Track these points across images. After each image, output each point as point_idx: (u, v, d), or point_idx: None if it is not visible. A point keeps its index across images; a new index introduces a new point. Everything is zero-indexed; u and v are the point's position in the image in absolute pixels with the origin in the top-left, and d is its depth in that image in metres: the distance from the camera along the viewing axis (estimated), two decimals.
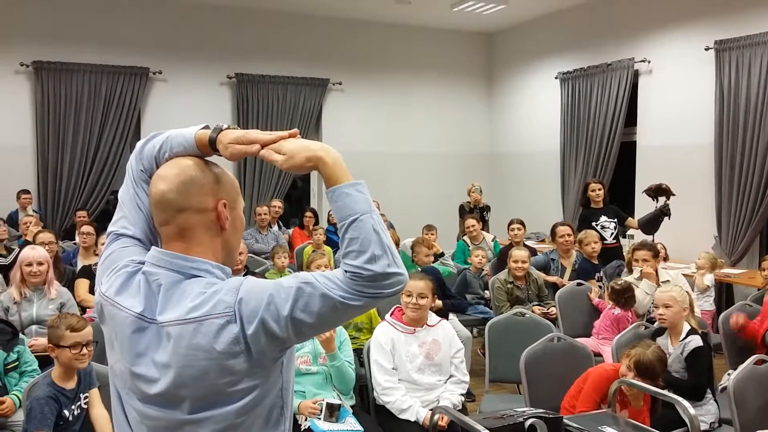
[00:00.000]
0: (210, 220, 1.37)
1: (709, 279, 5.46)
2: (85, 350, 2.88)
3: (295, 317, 1.23)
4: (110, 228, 1.47)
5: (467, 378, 3.54)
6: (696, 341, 3.50)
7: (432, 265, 5.65)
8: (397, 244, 6.15)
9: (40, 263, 4.12)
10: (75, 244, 5.83)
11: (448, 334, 3.54)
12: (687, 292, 3.92)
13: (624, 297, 4.47)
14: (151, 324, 1.30)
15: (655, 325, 3.98)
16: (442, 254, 6.30)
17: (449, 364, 3.48)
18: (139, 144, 1.47)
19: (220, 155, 1.37)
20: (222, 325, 1.25)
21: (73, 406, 2.88)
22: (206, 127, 1.40)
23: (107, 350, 1.41)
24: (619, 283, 4.57)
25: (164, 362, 1.28)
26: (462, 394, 3.45)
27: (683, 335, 3.57)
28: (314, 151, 1.30)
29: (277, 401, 1.35)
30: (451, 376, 3.48)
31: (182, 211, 1.34)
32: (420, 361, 3.41)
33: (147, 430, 1.33)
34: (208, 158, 1.42)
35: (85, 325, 2.92)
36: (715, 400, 3.46)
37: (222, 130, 1.36)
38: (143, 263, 1.37)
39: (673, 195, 6.16)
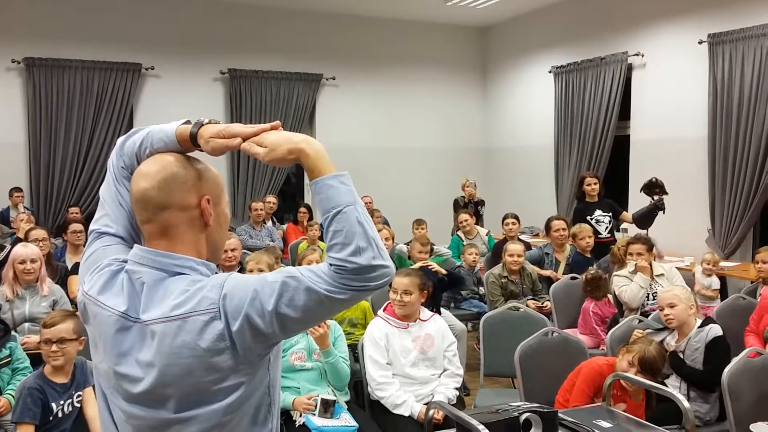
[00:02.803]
0: (193, 217, 1.35)
1: (715, 282, 5.29)
2: (54, 347, 2.87)
3: (280, 312, 1.22)
4: (92, 226, 1.45)
5: (461, 371, 3.56)
6: (716, 329, 3.45)
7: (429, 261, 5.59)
8: (392, 240, 6.13)
9: (33, 260, 4.11)
10: (65, 240, 5.79)
11: (440, 328, 3.56)
12: (686, 288, 3.90)
13: (590, 286, 4.63)
14: (135, 323, 1.28)
15: (650, 318, 3.99)
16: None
17: (443, 358, 3.50)
18: (119, 140, 1.45)
19: (202, 150, 1.35)
20: (206, 322, 1.23)
21: (62, 401, 2.87)
22: (188, 122, 1.37)
23: (91, 350, 1.39)
24: (591, 273, 4.70)
25: (148, 361, 1.26)
26: (456, 388, 3.46)
27: (698, 325, 3.50)
28: (296, 143, 1.28)
29: (264, 398, 1.34)
30: (445, 370, 3.49)
31: (165, 209, 1.32)
32: (414, 355, 3.42)
33: (133, 429, 1.32)
34: (190, 154, 1.40)
35: (57, 322, 2.91)
36: (719, 397, 3.39)
37: (203, 124, 1.34)
38: (126, 261, 1.34)
39: (666, 194, 6.14)
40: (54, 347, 2.86)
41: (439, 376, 3.48)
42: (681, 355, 3.48)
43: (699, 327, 3.50)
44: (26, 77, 7.95)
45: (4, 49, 7.85)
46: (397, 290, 3.46)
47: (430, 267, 4.88)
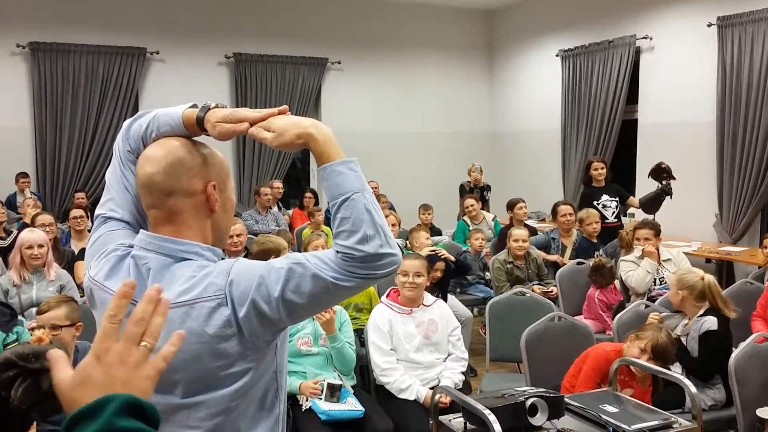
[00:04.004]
0: (199, 202, 1.33)
1: None
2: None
3: (286, 298, 1.21)
4: (98, 210, 1.44)
5: (466, 355, 3.58)
6: (710, 323, 3.41)
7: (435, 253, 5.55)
8: (398, 225, 6.12)
9: (40, 246, 4.12)
10: (69, 227, 5.80)
11: (444, 313, 3.58)
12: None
13: (596, 274, 4.59)
14: None
15: (656, 303, 3.98)
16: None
17: (447, 343, 3.51)
18: (125, 123, 1.43)
19: (209, 135, 1.34)
20: (213, 308, 1.23)
21: None
22: (194, 106, 1.36)
23: None
24: (596, 260, 4.70)
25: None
26: (462, 372, 3.46)
27: (700, 314, 3.50)
28: (304, 127, 1.26)
29: (271, 384, 1.34)
30: (449, 354, 3.50)
31: (170, 195, 1.31)
32: (418, 340, 3.43)
33: None
34: (197, 138, 1.38)
35: (49, 308, 2.92)
36: (725, 386, 3.36)
37: (210, 108, 1.33)
38: (132, 247, 1.34)
39: (673, 178, 6.10)
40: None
41: (444, 361, 3.49)
42: (684, 339, 3.47)
43: (699, 316, 3.48)
44: (31, 62, 7.94)
45: (8, 33, 7.83)
46: (408, 273, 3.45)
47: (438, 253, 4.87)
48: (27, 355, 1.18)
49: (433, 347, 3.46)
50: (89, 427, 0.79)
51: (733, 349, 3.78)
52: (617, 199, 6.31)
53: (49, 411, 1.13)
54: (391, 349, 3.39)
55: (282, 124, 1.27)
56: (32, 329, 3.66)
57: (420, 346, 3.43)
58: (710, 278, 3.54)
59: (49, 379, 1.40)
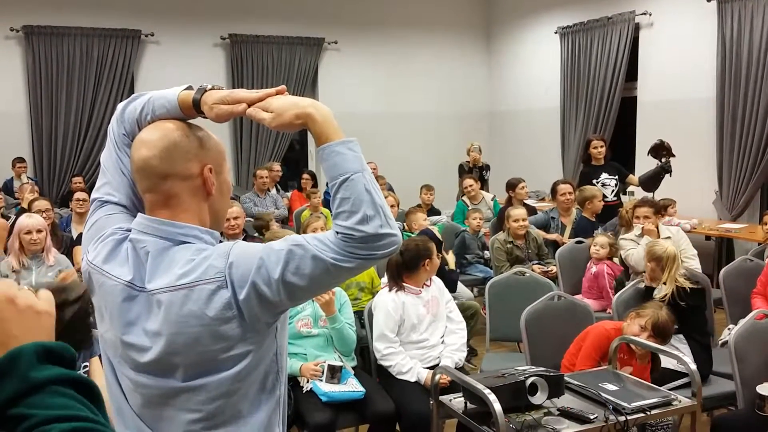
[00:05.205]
0: (196, 186, 1.32)
1: None
2: None
3: (286, 280, 1.21)
4: (94, 194, 1.43)
5: (463, 324, 3.61)
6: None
7: (428, 227, 5.58)
8: (397, 206, 6.11)
9: (38, 231, 4.11)
10: (71, 210, 5.80)
11: (440, 288, 3.63)
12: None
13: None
14: (141, 292, 1.28)
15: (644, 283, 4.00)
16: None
17: (445, 317, 3.55)
18: (120, 106, 1.42)
19: (205, 117, 1.32)
20: (213, 291, 1.23)
21: None
22: (189, 88, 1.34)
23: (97, 319, 1.39)
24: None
25: (155, 330, 1.26)
26: (463, 343, 3.49)
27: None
28: (303, 108, 1.25)
29: (272, 367, 1.34)
30: (447, 327, 3.54)
31: (166, 178, 1.30)
32: (428, 320, 3.45)
33: (141, 398, 1.32)
34: (193, 120, 1.37)
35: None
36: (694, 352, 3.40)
37: (206, 90, 1.31)
38: (130, 230, 1.33)
39: (673, 156, 6.08)
40: None
41: (442, 336, 3.50)
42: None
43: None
44: (25, 45, 7.88)
45: (2, 17, 7.76)
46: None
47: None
48: (52, 289, 1.20)
49: (438, 323, 3.50)
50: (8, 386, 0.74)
51: (731, 326, 3.81)
52: (617, 177, 6.30)
53: (72, 342, 1.15)
54: (395, 337, 3.39)
55: (280, 105, 1.26)
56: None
57: (429, 325, 3.45)
58: (671, 251, 3.57)
59: (72, 310, 1.47)
